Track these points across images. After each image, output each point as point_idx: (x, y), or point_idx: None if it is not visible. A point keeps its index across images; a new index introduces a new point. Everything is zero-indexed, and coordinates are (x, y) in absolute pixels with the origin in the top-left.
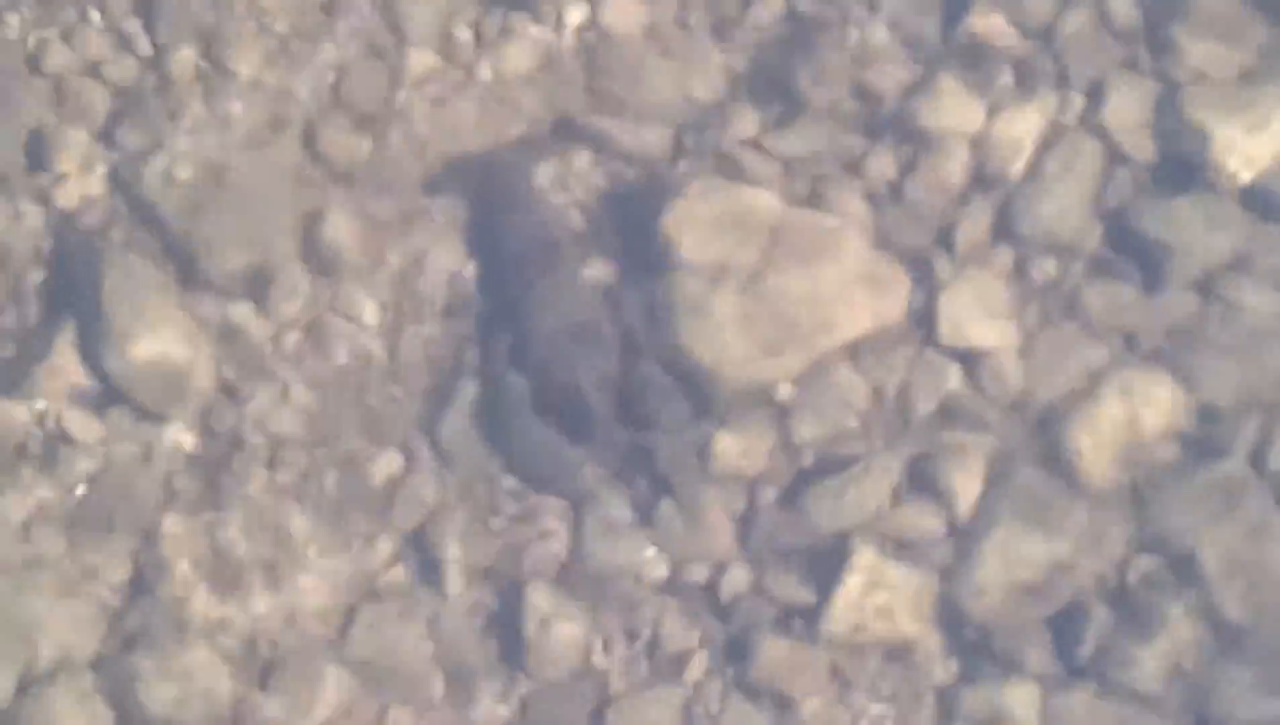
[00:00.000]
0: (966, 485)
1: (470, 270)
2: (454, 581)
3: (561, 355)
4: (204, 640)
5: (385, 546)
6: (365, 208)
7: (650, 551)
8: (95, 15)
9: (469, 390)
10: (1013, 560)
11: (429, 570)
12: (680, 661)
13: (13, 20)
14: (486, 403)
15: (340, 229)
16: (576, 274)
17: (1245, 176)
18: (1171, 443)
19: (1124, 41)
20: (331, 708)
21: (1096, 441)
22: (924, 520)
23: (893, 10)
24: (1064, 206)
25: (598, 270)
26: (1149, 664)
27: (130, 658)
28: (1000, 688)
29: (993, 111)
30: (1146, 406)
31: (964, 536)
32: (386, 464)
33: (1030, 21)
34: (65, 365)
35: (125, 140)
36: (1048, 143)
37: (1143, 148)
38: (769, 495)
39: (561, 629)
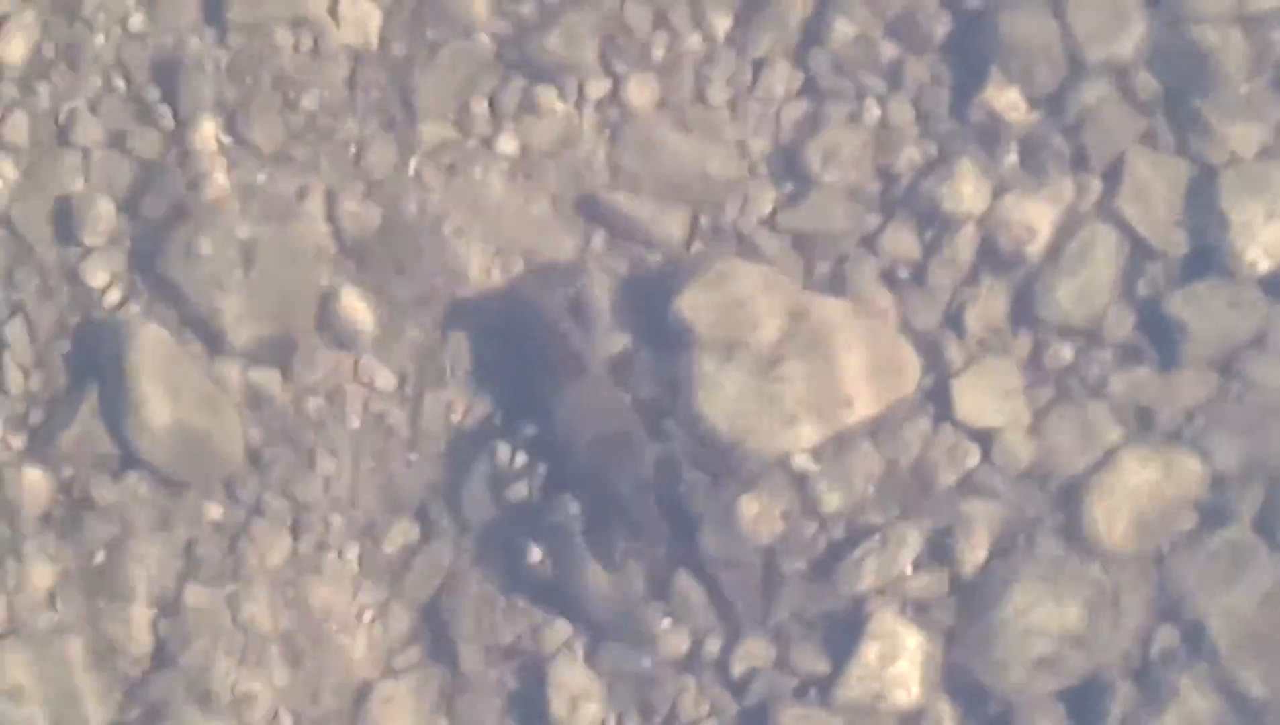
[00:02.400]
0: (980, 556)
1: (486, 353)
2: (470, 657)
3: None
4: (227, 712)
5: (402, 620)
6: (382, 286)
7: (666, 623)
8: (120, 84)
9: (489, 461)
10: (1030, 632)
11: (445, 645)
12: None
13: (43, 90)
14: (507, 484)
15: (356, 307)
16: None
17: (1263, 264)
18: (1186, 514)
19: (1144, 116)
20: None
21: (1112, 513)
22: (940, 590)
23: (909, 85)
24: (1080, 289)
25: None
26: None
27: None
28: None
29: (1006, 193)
30: (1161, 479)
31: (980, 607)
32: (403, 534)
33: (1044, 96)
34: (89, 432)
35: (148, 213)
36: (1064, 226)
37: (1161, 231)
38: (789, 563)
39: (587, 707)
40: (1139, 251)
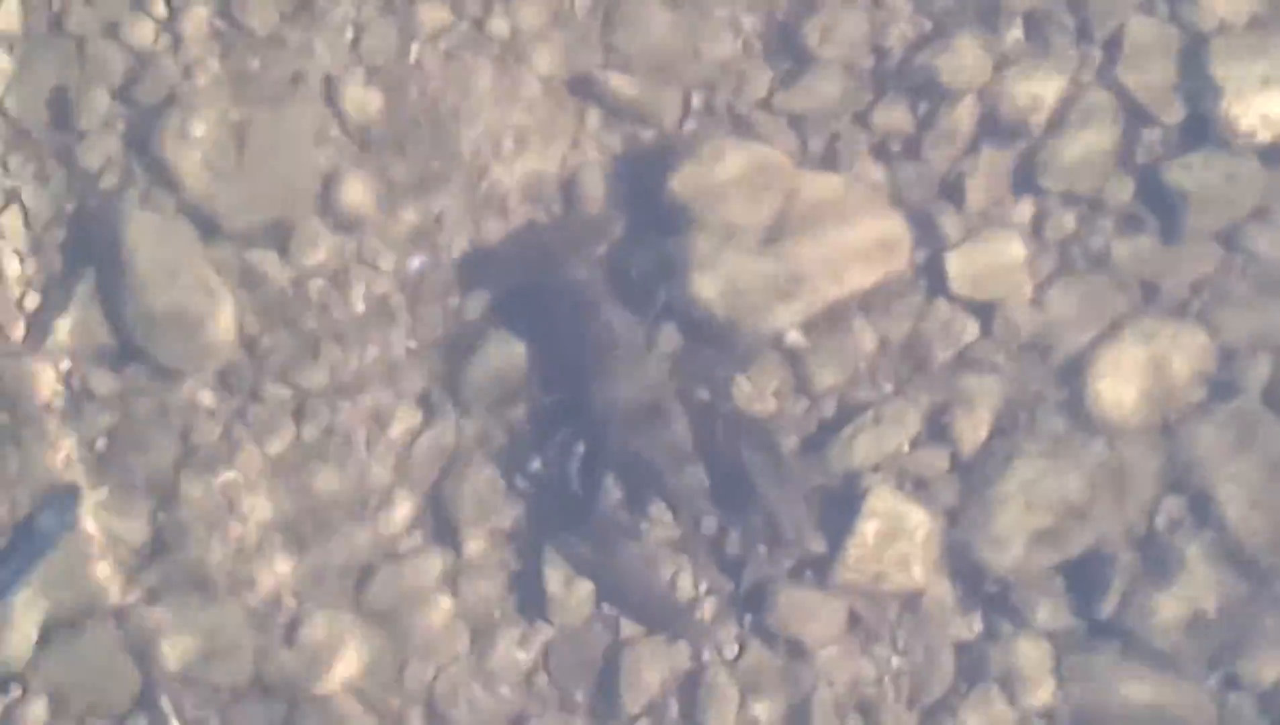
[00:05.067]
0: (981, 435)
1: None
2: (473, 540)
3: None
4: (228, 597)
5: (405, 504)
6: (383, 168)
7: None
8: None
9: (491, 345)
10: (1031, 506)
11: (447, 528)
12: (692, 607)
13: None
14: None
15: (358, 189)
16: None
17: (1263, 134)
18: (1192, 386)
19: None
20: (352, 664)
21: (1117, 385)
22: (938, 466)
23: None
24: (1080, 158)
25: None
26: (1168, 611)
27: (153, 611)
28: (1016, 641)
29: (1007, 65)
30: (1167, 351)
31: (980, 484)
32: (407, 418)
33: None
34: (86, 319)
35: (142, 99)
36: (1064, 96)
37: (1159, 100)
38: (781, 440)
39: (582, 584)
40: (1137, 118)
